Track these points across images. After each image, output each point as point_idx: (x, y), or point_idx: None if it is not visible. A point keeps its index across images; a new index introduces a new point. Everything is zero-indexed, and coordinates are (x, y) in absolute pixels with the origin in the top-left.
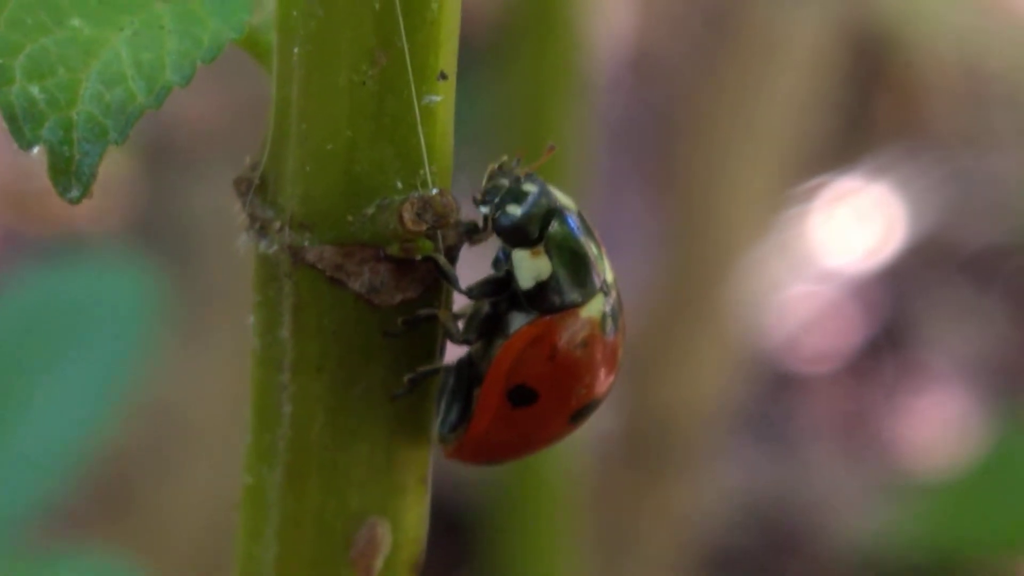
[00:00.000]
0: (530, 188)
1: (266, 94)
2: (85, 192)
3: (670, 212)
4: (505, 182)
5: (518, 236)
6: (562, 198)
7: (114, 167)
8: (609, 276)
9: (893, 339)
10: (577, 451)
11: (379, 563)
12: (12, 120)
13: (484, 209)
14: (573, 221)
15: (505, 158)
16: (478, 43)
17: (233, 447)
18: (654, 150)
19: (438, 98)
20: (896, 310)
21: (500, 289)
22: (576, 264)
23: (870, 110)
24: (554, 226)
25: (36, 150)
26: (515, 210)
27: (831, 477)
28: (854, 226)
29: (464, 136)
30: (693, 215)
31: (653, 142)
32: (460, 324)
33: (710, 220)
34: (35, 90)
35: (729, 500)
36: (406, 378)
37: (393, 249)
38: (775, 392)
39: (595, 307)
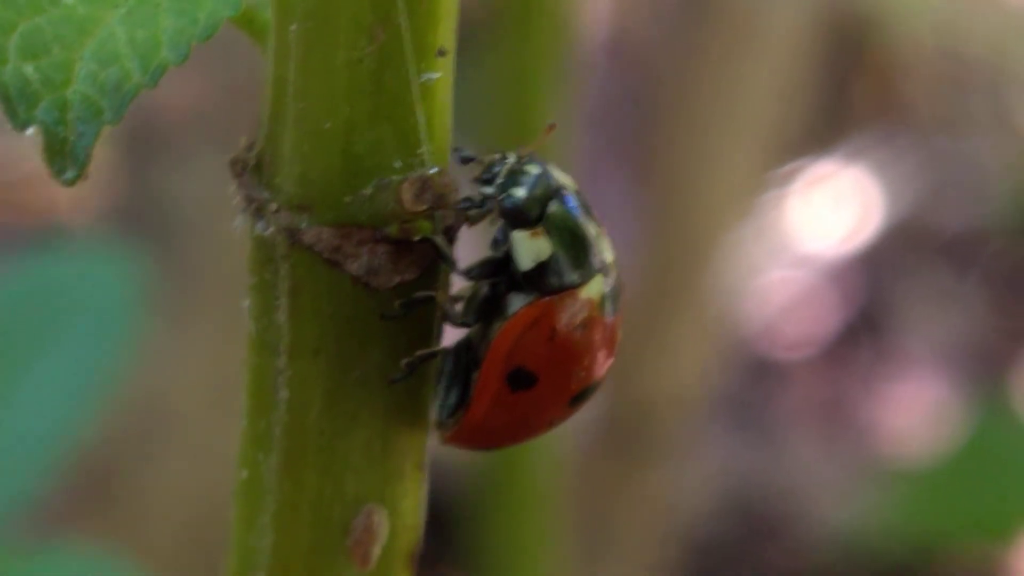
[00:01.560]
0: (532, 169)
1: (251, 80)
2: (81, 174)
3: (648, 197)
4: (506, 163)
5: (520, 217)
6: (561, 177)
7: (97, 155)
8: (609, 256)
9: (871, 324)
10: (558, 438)
11: (377, 551)
12: (6, 100)
13: (487, 190)
14: (572, 201)
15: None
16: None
17: (219, 435)
18: (632, 135)
19: (437, 75)
20: (873, 295)
21: (499, 270)
22: (575, 244)
23: (848, 94)
24: (553, 206)
25: (31, 131)
26: (519, 192)
27: (810, 464)
28: (831, 210)
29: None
30: (671, 200)
31: (631, 127)
32: (458, 306)
33: (688, 205)
34: (29, 69)
35: (708, 487)
36: (404, 362)
37: (392, 230)
38: (753, 379)
39: (594, 288)
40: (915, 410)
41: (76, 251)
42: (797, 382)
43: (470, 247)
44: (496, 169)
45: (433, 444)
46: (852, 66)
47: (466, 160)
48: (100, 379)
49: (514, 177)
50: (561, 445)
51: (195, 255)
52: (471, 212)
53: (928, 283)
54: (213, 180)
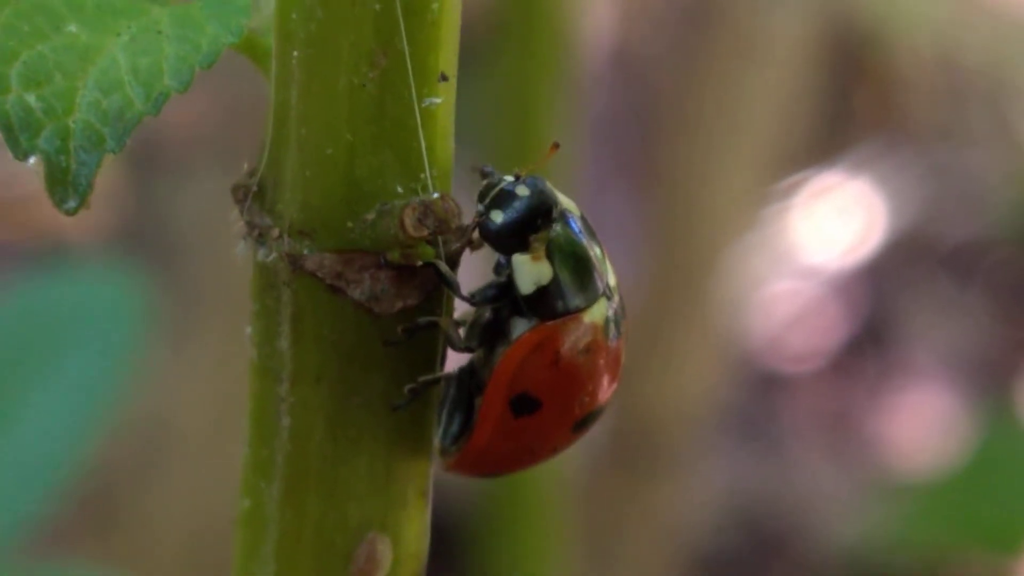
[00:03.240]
0: (521, 192)
1: (253, 99)
2: (82, 203)
3: (653, 210)
4: (495, 186)
5: (504, 243)
6: (563, 200)
7: (101, 175)
8: (612, 280)
9: (875, 336)
10: (564, 455)
11: None
12: (8, 130)
13: (478, 214)
14: (575, 224)
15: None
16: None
17: (220, 457)
18: (636, 148)
19: (439, 100)
20: (878, 306)
21: (502, 295)
22: (578, 268)
23: (850, 106)
24: (556, 229)
25: (32, 160)
26: (498, 216)
27: (816, 477)
28: (835, 222)
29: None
30: (676, 213)
31: (635, 140)
32: (461, 332)
33: (693, 218)
34: (31, 98)
35: (715, 501)
36: (407, 388)
37: (394, 255)
38: (759, 392)
39: (598, 312)
40: (921, 422)
41: (80, 271)
42: (803, 395)
43: (474, 272)
44: (485, 192)
45: (437, 471)
46: (854, 78)
47: (486, 175)
48: (103, 400)
49: (497, 201)
50: (567, 461)
51: (199, 275)
52: (473, 237)
53: (932, 294)
54: (218, 200)
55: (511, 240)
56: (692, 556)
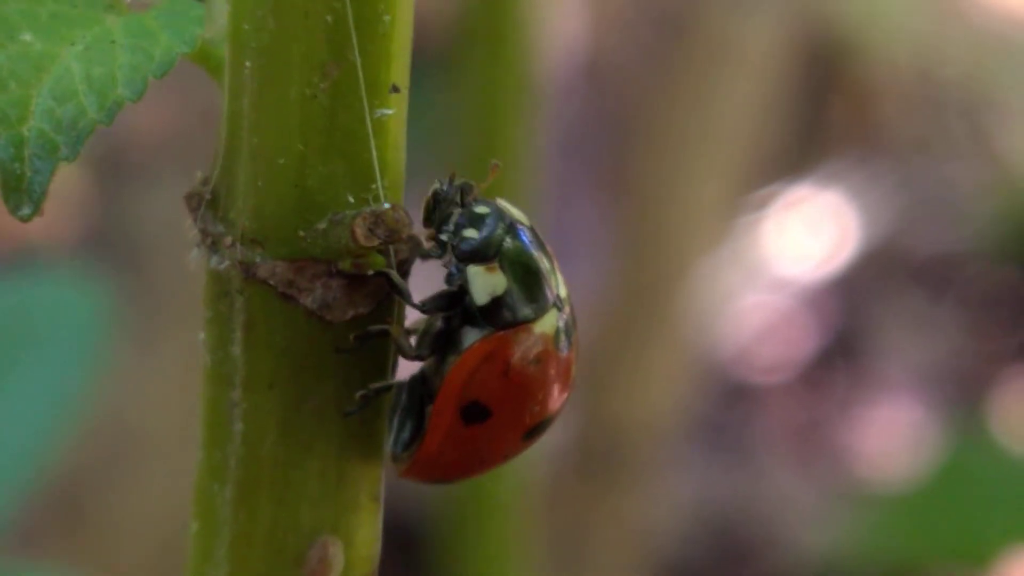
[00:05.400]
0: (483, 210)
1: (220, 106)
2: (36, 210)
3: (623, 220)
4: (457, 206)
5: (477, 257)
6: (514, 212)
7: (67, 180)
8: (563, 291)
9: (846, 348)
10: (529, 463)
11: None
12: None
13: (443, 236)
14: (526, 236)
15: (438, 182)
16: (428, 51)
17: (186, 460)
18: (607, 157)
19: (390, 111)
20: (849, 319)
21: (453, 304)
22: (529, 279)
23: (823, 116)
24: (508, 242)
25: None
26: (473, 234)
27: (785, 488)
28: (807, 234)
29: (414, 145)
30: (646, 223)
31: (606, 149)
32: (412, 340)
33: (663, 228)
34: None
35: (683, 511)
36: (358, 395)
37: (345, 264)
38: (729, 402)
39: (548, 322)
40: (891, 433)
41: (46, 276)
42: (773, 406)
43: (424, 281)
44: (447, 214)
45: (391, 476)
46: (828, 89)
47: (457, 187)
48: (69, 403)
49: (467, 220)
50: (531, 469)
51: (165, 281)
52: (423, 247)
53: (904, 307)
54: (184, 209)
55: (482, 255)
56: (660, 565)
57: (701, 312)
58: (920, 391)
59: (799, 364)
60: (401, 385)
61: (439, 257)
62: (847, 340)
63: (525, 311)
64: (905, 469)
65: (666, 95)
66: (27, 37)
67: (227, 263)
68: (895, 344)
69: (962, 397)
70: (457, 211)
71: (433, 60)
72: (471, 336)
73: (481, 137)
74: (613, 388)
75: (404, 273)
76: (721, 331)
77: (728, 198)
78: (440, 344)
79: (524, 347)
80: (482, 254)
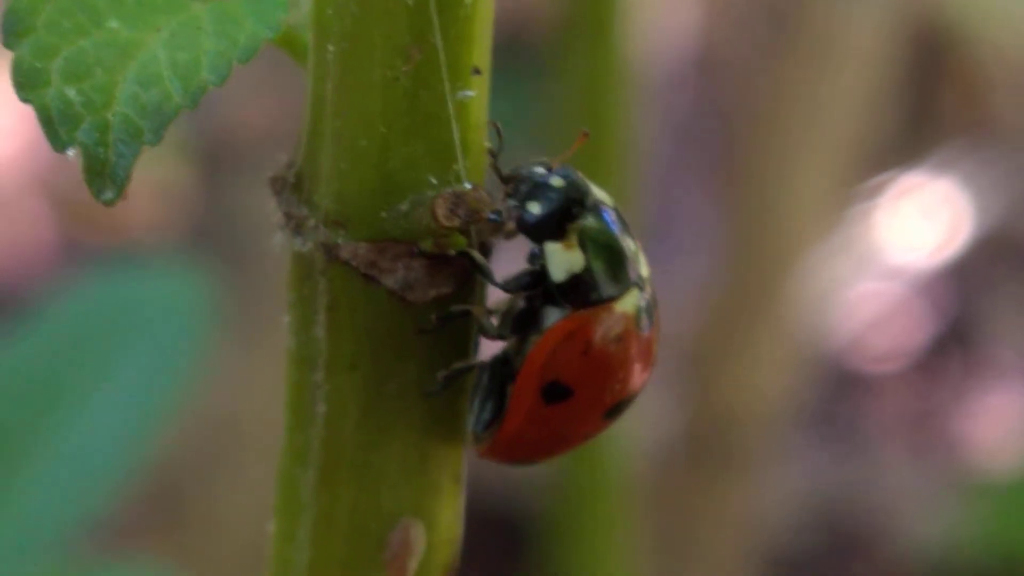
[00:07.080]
0: (555, 183)
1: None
2: (119, 194)
3: (734, 209)
4: (529, 177)
5: (540, 232)
6: (598, 192)
7: (171, 174)
8: (644, 271)
9: (961, 336)
10: (636, 452)
11: (413, 565)
12: (48, 123)
13: (511, 203)
14: (609, 215)
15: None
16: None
17: None
18: (718, 147)
19: (472, 93)
20: (963, 307)
21: (535, 283)
22: (610, 258)
23: (934, 105)
24: (588, 219)
25: (71, 152)
26: (535, 207)
27: (898, 478)
28: (920, 222)
29: (520, 136)
30: (757, 212)
31: (717, 139)
32: (494, 320)
33: (773, 217)
34: (71, 92)
35: (793, 502)
36: (440, 375)
37: (427, 245)
38: (841, 391)
39: (630, 302)
40: (1006, 422)
41: (150, 269)
42: (886, 395)
43: (509, 261)
44: (519, 184)
45: (492, 466)
46: (937, 77)
47: (513, 172)
48: (171, 397)
49: (532, 193)
50: (639, 458)
51: (269, 273)
52: (505, 226)
53: (1018, 293)
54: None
55: (546, 230)
56: (769, 555)
57: (812, 301)
58: None
59: (912, 352)
60: (483, 365)
61: (517, 233)
62: (961, 328)
63: (607, 290)
64: (1019, 457)
65: (776, 84)
66: (114, 24)
67: (310, 245)
68: (1009, 332)
69: None
70: (527, 181)
71: (537, 51)
72: (553, 315)
73: (584, 123)
74: (723, 376)
75: (486, 253)
76: (833, 320)
77: (839, 187)
78: (522, 324)
79: (605, 326)
80: (542, 228)
